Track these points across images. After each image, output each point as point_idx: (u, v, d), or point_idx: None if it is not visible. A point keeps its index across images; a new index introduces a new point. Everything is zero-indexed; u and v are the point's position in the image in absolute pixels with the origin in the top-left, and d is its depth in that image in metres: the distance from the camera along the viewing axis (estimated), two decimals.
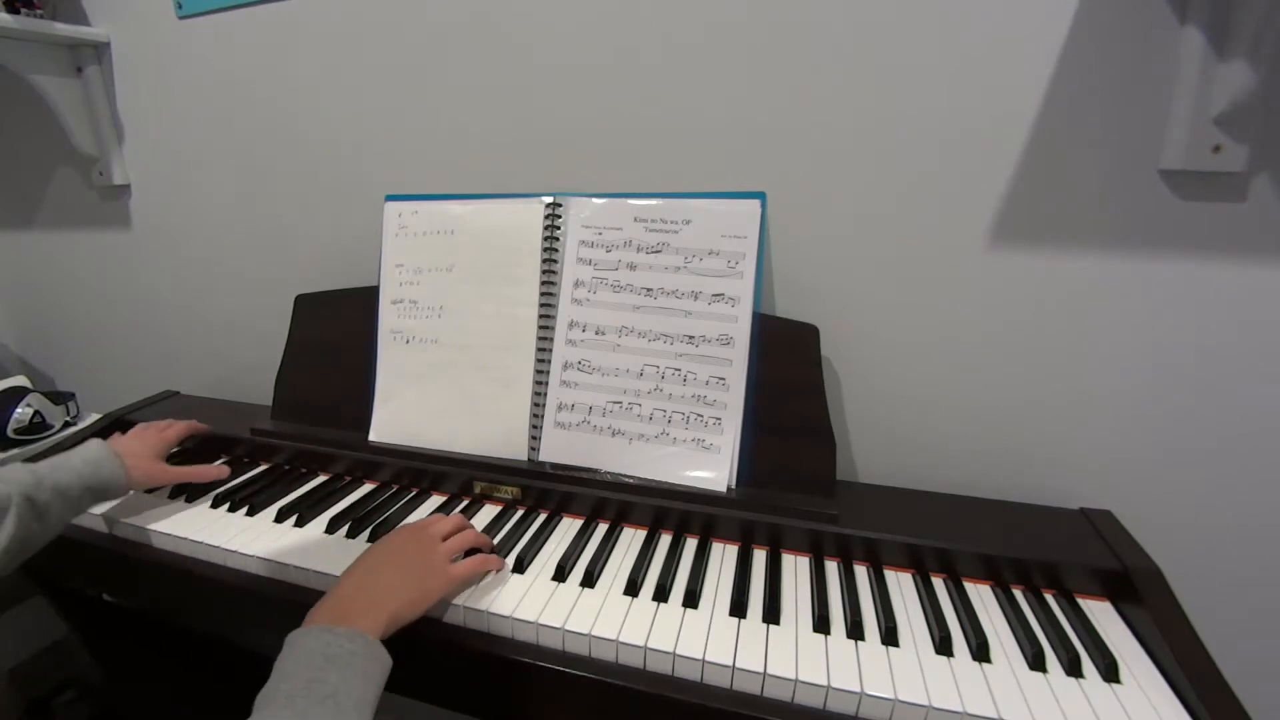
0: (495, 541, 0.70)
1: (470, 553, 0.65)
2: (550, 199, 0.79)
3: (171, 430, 0.85)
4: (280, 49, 0.96)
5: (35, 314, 1.34)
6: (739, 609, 0.59)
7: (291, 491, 0.81)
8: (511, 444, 0.79)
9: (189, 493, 0.80)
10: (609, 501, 0.74)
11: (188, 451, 0.91)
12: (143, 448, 0.78)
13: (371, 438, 0.84)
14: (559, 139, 0.86)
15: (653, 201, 0.76)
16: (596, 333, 0.76)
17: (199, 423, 0.90)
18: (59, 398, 1.10)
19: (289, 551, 0.69)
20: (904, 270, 0.76)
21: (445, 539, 0.64)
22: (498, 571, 0.65)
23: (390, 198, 0.85)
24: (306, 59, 0.95)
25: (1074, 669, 0.53)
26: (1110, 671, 0.53)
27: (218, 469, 0.82)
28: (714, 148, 0.79)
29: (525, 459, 0.78)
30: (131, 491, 0.76)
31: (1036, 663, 0.54)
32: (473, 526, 0.69)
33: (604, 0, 0.79)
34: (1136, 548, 0.64)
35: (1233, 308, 0.67)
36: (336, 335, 0.88)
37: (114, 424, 0.99)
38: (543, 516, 0.75)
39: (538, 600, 0.61)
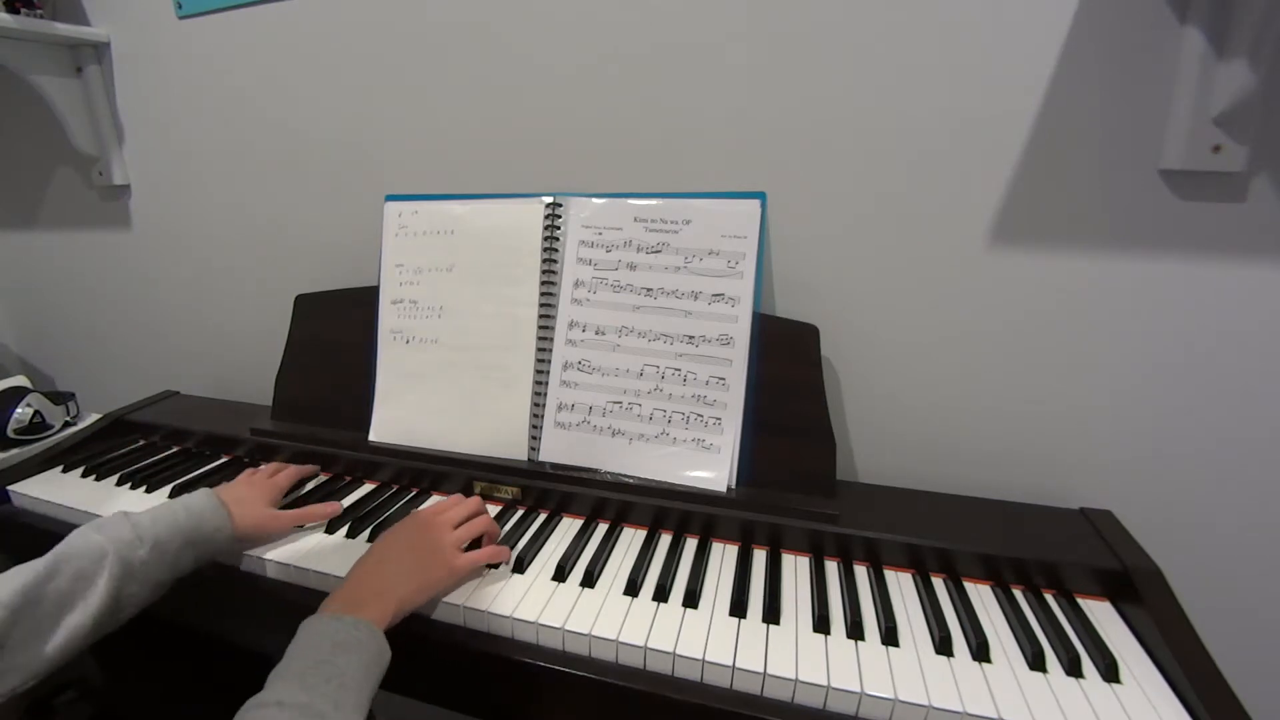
0: (498, 538, 0.70)
1: (481, 541, 0.67)
2: (550, 199, 0.79)
3: (283, 475, 0.79)
4: (280, 49, 0.96)
5: (35, 314, 1.34)
6: (739, 609, 0.59)
7: (292, 492, 0.81)
8: (511, 444, 0.79)
9: (189, 493, 0.80)
10: (609, 501, 0.74)
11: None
12: (252, 494, 0.72)
13: (371, 438, 0.84)
14: (559, 139, 0.86)
15: (653, 201, 0.76)
16: (596, 333, 0.76)
17: (312, 465, 0.84)
18: (59, 398, 1.10)
19: (289, 551, 0.69)
20: (904, 270, 0.76)
21: (457, 526, 0.65)
22: (505, 564, 0.66)
23: (390, 198, 0.85)
24: (306, 59, 0.95)
25: (1074, 669, 0.53)
26: (1110, 671, 0.53)
27: (333, 506, 0.75)
28: (714, 148, 0.79)
29: (525, 459, 0.78)
30: (239, 545, 0.69)
31: (1036, 663, 0.54)
32: (485, 511, 0.70)
33: (604, 1, 0.79)
34: (1136, 548, 0.64)
35: (1233, 308, 0.67)
36: (336, 335, 0.88)
37: (114, 424, 0.99)
38: (543, 516, 0.75)
39: (538, 600, 0.61)
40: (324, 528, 0.73)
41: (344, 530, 0.72)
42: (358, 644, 0.50)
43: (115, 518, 0.62)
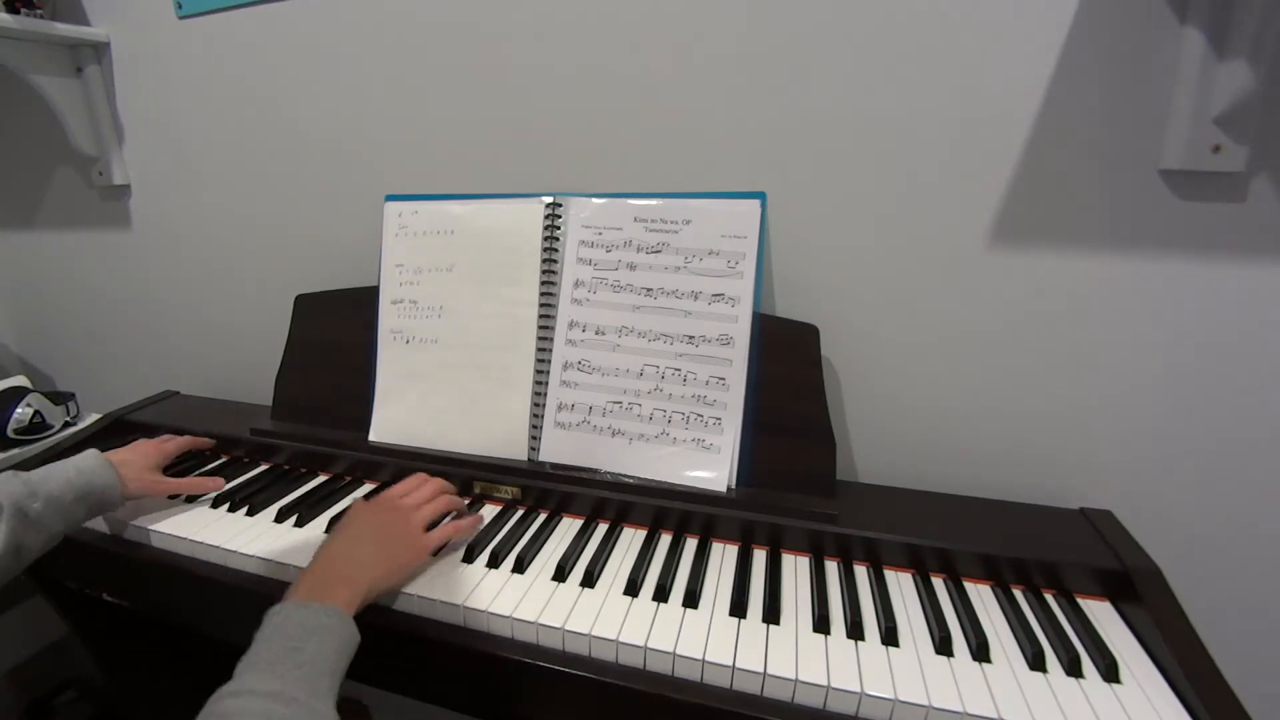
0: (495, 541, 0.70)
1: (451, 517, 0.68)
2: (550, 199, 0.79)
3: (171, 444, 0.83)
4: (280, 49, 0.96)
5: (35, 314, 1.34)
6: (739, 609, 0.59)
7: (291, 491, 0.81)
8: (511, 444, 0.79)
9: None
10: (609, 501, 0.74)
11: (192, 462, 0.91)
12: (139, 458, 0.77)
13: (371, 438, 0.84)
14: (559, 139, 0.86)
15: (653, 201, 0.76)
16: (596, 333, 0.76)
17: (201, 437, 0.88)
18: (59, 398, 1.10)
19: (289, 551, 0.69)
20: (904, 270, 0.76)
21: (420, 507, 0.66)
22: (469, 533, 0.68)
23: (390, 198, 0.85)
24: (306, 59, 0.95)
25: (1074, 669, 0.53)
26: (1110, 671, 0.53)
27: (214, 481, 0.80)
28: (714, 148, 0.79)
29: (525, 459, 0.78)
30: (127, 502, 0.74)
31: (1036, 663, 0.54)
32: (451, 489, 0.71)
33: (604, 1, 0.79)
34: (1136, 548, 0.64)
35: (1233, 308, 0.67)
36: (336, 335, 0.88)
37: (114, 424, 0.99)
38: (543, 516, 0.75)
39: (538, 600, 0.61)
40: (324, 528, 0.73)
41: None
42: (327, 629, 0.50)
43: (6, 475, 0.65)
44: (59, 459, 0.88)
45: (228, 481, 0.83)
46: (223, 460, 0.91)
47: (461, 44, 0.87)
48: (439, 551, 0.66)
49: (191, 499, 0.80)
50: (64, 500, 0.66)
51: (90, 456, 0.72)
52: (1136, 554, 0.63)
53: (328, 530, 0.73)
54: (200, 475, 0.84)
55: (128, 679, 1.02)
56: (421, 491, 0.69)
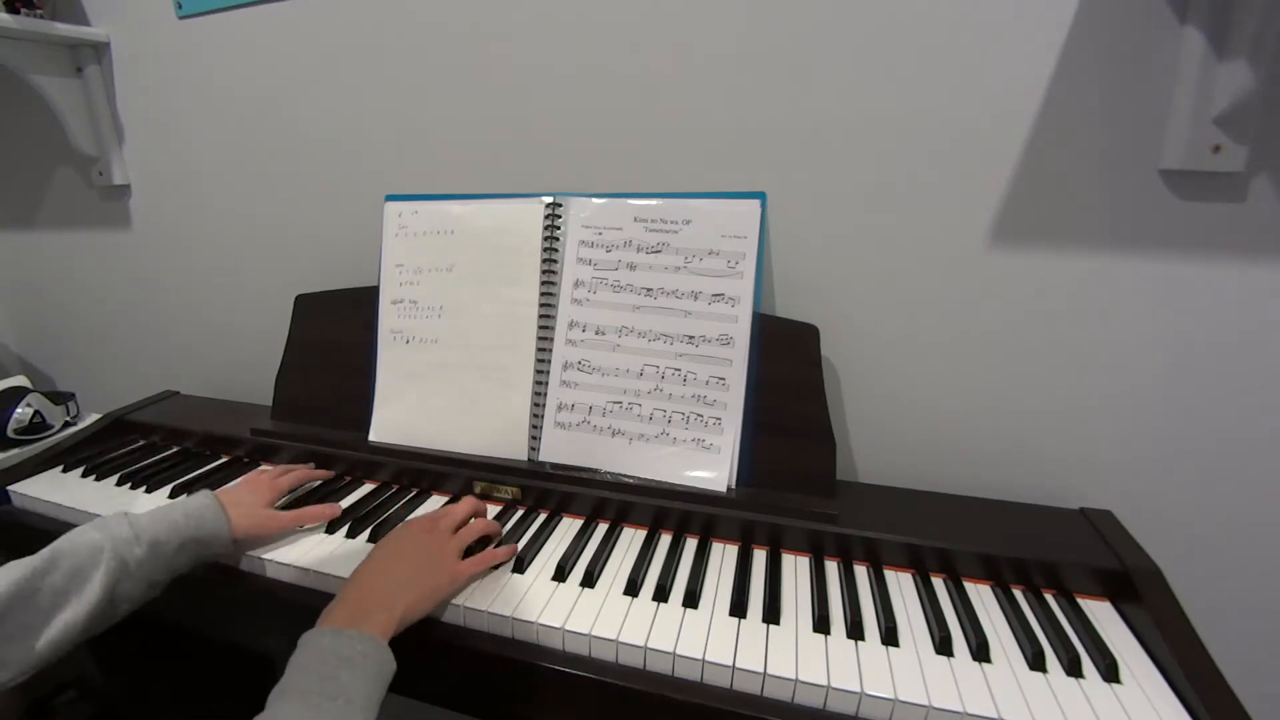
0: (495, 541, 0.70)
1: (482, 542, 0.66)
2: (550, 199, 0.79)
3: (285, 478, 0.78)
4: (280, 49, 0.96)
5: (35, 314, 1.34)
6: (739, 609, 0.59)
7: (291, 491, 0.81)
8: (511, 444, 0.79)
9: (188, 492, 0.80)
10: (609, 501, 0.74)
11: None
12: (252, 496, 0.72)
13: (371, 438, 0.84)
14: (559, 139, 0.86)
15: (653, 201, 0.76)
16: (596, 333, 0.76)
17: (315, 469, 0.83)
18: (59, 398, 1.10)
19: (288, 552, 0.69)
20: (904, 270, 0.76)
21: (457, 530, 0.65)
22: (507, 562, 0.66)
23: (390, 198, 0.85)
24: (306, 59, 0.95)
25: (1074, 669, 0.53)
26: (1110, 671, 0.53)
27: (332, 508, 0.74)
28: (714, 148, 0.79)
29: (525, 459, 0.78)
30: (237, 545, 0.68)
31: (1036, 663, 0.54)
32: (484, 513, 0.70)
33: (604, 1, 0.79)
34: (1136, 548, 0.64)
35: (1233, 308, 0.67)
36: (336, 335, 0.88)
37: (114, 424, 0.99)
38: (543, 516, 0.75)
39: (538, 600, 0.61)
40: (324, 528, 0.73)
41: (344, 531, 0.72)
42: (362, 658, 0.49)
43: (115, 517, 0.62)
44: (60, 458, 0.90)
45: (228, 482, 0.83)
46: (223, 460, 0.91)
47: (461, 44, 0.87)
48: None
49: None
50: (169, 547, 0.62)
51: (200, 498, 0.68)
52: (1136, 554, 0.63)
53: (328, 531, 0.73)
54: (308, 504, 0.77)
55: (128, 679, 1.02)
56: (456, 514, 0.67)
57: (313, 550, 0.69)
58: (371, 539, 0.71)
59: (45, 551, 0.57)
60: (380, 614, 0.53)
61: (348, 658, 0.48)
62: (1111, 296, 0.70)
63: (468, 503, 0.70)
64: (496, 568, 0.65)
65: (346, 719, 0.45)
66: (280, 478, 0.78)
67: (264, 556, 0.68)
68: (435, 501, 0.79)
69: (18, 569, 0.54)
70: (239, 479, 0.78)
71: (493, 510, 0.76)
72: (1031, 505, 0.73)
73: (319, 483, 0.84)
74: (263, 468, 0.81)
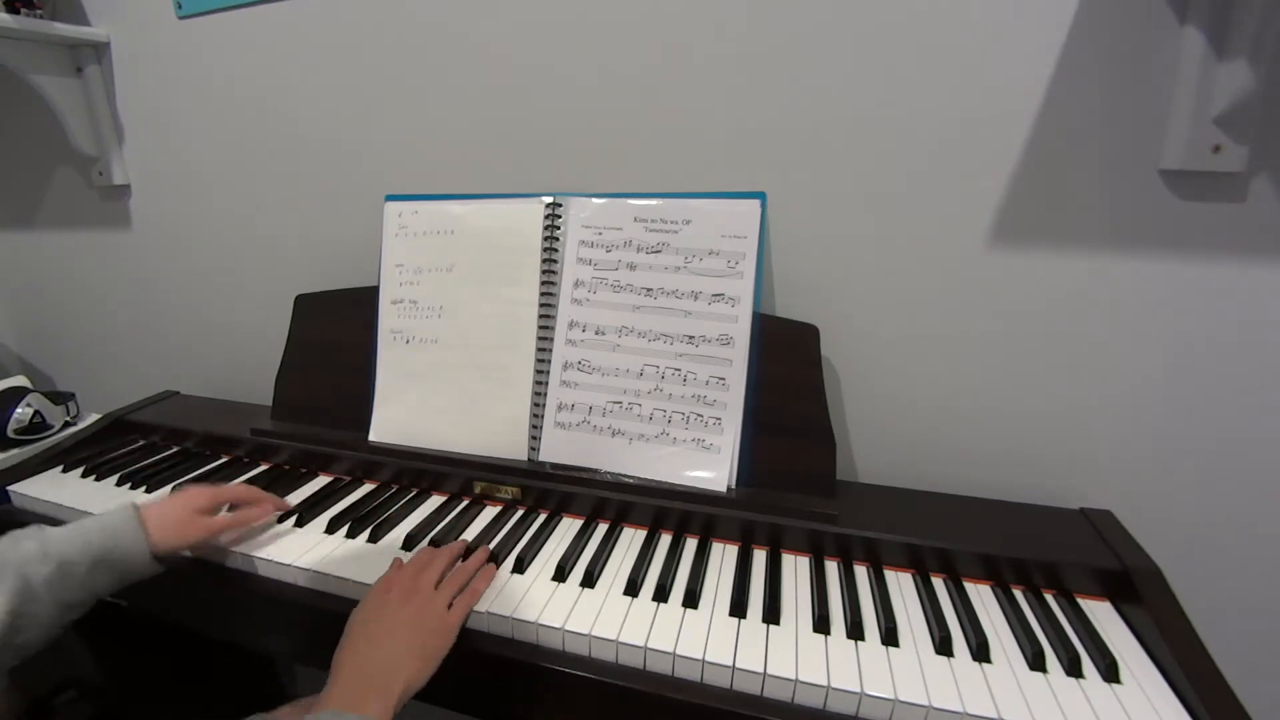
0: (495, 541, 0.70)
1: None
2: (550, 199, 0.79)
3: (228, 491, 0.73)
4: (280, 49, 0.96)
5: (35, 314, 1.34)
6: (739, 609, 0.59)
7: (291, 492, 0.81)
8: (511, 444, 0.79)
9: None
10: (609, 501, 0.74)
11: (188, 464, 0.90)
12: (178, 504, 0.68)
13: (371, 438, 0.84)
14: (559, 139, 0.86)
15: (653, 201, 0.76)
16: (596, 333, 0.76)
17: (270, 497, 0.75)
18: (59, 398, 1.10)
19: (289, 552, 0.69)
20: (904, 270, 0.76)
21: (440, 587, 0.60)
22: (492, 563, 0.65)
23: (390, 198, 0.85)
24: (306, 59, 0.95)
25: (1074, 669, 0.53)
26: (1110, 671, 0.53)
27: (275, 502, 0.71)
28: (714, 148, 0.79)
29: (525, 459, 0.78)
30: (159, 563, 0.64)
31: (1036, 663, 0.54)
32: (461, 549, 0.66)
33: (604, 3, 0.79)
34: (1136, 548, 0.64)
35: (1233, 308, 0.67)
36: (336, 335, 0.88)
37: (114, 424, 0.99)
38: (543, 516, 0.75)
39: (538, 600, 0.61)
40: (323, 527, 0.73)
41: (344, 530, 0.72)
42: None
43: (29, 530, 0.59)
44: (60, 458, 0.90)
45: (228, 482, 0.83)
46: (223, 460, 0.91)
47: (461, 44, 0.87)
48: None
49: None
50: (80, 566, 0.58)
51: (119, 512, 0.64)
52: (1136, 554, 0.63)
53: (328, 531, 0.73)
54: (310, 513, 0.74)
55: (128, 679, 1.02)
56: (432, 570, 0.61)
57: (313, 550, 0.69)
58: (371, 539, 0.71)
59: None
60: (380, 696, 0.50)
61: None
62: (1111, 296, 0.70)
63: (447, 550, 0.65)
64: (497, 563, 0.65)
65: None
66: (222, 491, 0.72)
67: (265, 557, 0.68)
68: (435, 501, 0.79)
69: None
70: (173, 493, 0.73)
71: (493, 510, 0.76)
72: (1031, 505, 0.73)
73: (315, 476, 0.84)
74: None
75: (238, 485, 0.78)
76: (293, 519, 0.75)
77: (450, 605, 0.59)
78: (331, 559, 0.68)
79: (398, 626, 0.56)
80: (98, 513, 0.66)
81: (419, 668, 0.54)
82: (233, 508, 0.72)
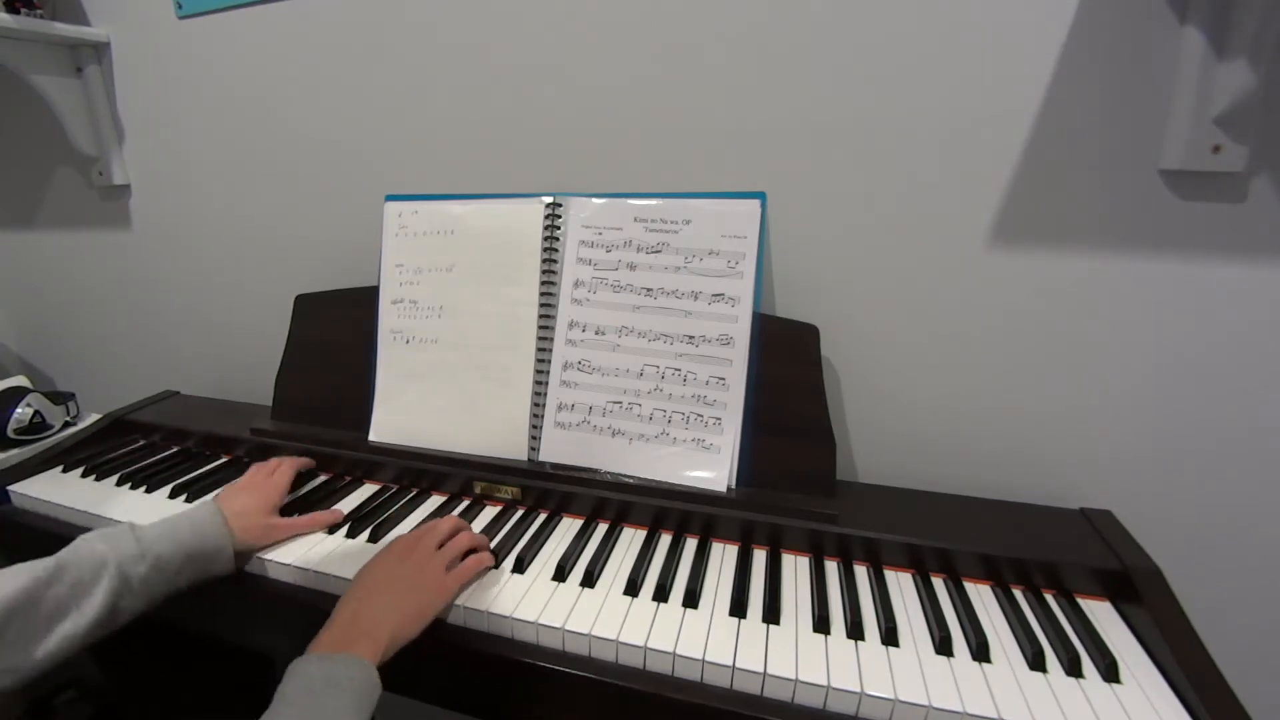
0: (495, 541, 0.70)
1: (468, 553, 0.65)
2: (550, 199, 0.79)
3: (280, 474, 0.77)
4: (280, 49, 0.96)
5: (35, 314, 1.34)
6: (739, 609, 0.59)
7: (291, 492, 0.81)
8: (511, 444, 0.79)
9: (189, 493, 0.80)
10: (609, 501, 0.74)
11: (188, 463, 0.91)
12: (256, 502, 0.71)
13: (371, 438, 0.84)
14: (559, 139, 0.86)
15: (653, 201, 0.76)
16: (596, 333, 0.76)
17: (303, 458, 0.83)
18: (59, 398, 1.10)
19: (288, 551, 0.69)
20: (904, 270, 0.76)
21: (441, 545, 0.64)
22: (494, 568, 0.65)
23: (390, 198, 0.85)
24: (306, 59, 0.95)
25: (1074, 669, 0.53)
26: (1110, 671, 0.53)
27: (333, 513, 0.74)
28: (714, 148, 0.79)
29: (525, 459, 0.78)
30: (239, 564, 0.68)
31: (1036, 663, 0.54)
32: (467, 527, 0.69)
33: (604, 3, 0.79)
34: (1136, 548, 0.64)
35: (1233, 308, 0.67)
36: (336, 335, 0.88)
37: (114, 424, 0.99)
38: (543, 516, 0.75)
39: (538, 600, 0.61)
40: (324, 528, 0.73)
41: (344, 531, 0.72)
42: (349, 681, 0.49)
43: (122, 528, 0.62)
44: (60, 458, 0.90)
45: (228, 482, 0.83)
46: (223, 460, 0.91)
47: (462, 44, 0.87)
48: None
49: (192, 497, 0.79)
50: (172, 564, 0.62)
51: (205, 512, 0.67)
52: (1136, 554, 0.63)
53: (328, 531, 0.73)
54: (308, 513, 0.75)
55: (128, 679, 1.02)
56: (439, 530, 0.65)
57: (313, 550, 0.69)
58: (371, 539, 0.71)
59: (50, 561, 0.57)
60: (367, 640, 0.53)
61: (334, 681, 0.49)
62: (1111, 296, 0.70)
63: (450, 519, 0.68)
64: (488, 570, 0.65)
65: None
66: (275, 474, 0.77)
67: (264, 557, 0.68)
68: (435, 501, 0.79)
69: (22, 576, 0.54)
70: (240, 481, 0.77)
71: (492, 510, 0.76)
72: (1031, 505, 0.73)
73: (314, 481, 0.84)
74: (256, 466, 0.80)
75: (287, 462, 0.80)
76: (293, 519, 0.75)
77: (449, 571, 0.62)
78: (332, 558, 0.68)
79: (393, 581, 0.59)
80: (184, 511, 0.68)
81: (405, 620, 0.56)
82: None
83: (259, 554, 0.69)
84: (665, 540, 0.70)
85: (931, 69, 0.70)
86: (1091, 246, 0.69)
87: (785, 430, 0.71)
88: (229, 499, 0.71)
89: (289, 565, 0.67)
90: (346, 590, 0.59)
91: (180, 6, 1.00)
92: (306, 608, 0.65)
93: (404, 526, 0.74)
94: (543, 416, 0.78)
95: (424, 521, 0.73)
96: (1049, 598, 0.62)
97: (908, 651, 0.55)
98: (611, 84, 0.81)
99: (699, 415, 0.73)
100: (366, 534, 0.72)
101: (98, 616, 0.56)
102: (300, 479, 0.84)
